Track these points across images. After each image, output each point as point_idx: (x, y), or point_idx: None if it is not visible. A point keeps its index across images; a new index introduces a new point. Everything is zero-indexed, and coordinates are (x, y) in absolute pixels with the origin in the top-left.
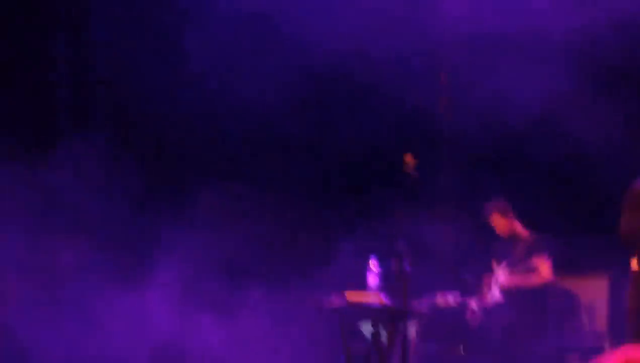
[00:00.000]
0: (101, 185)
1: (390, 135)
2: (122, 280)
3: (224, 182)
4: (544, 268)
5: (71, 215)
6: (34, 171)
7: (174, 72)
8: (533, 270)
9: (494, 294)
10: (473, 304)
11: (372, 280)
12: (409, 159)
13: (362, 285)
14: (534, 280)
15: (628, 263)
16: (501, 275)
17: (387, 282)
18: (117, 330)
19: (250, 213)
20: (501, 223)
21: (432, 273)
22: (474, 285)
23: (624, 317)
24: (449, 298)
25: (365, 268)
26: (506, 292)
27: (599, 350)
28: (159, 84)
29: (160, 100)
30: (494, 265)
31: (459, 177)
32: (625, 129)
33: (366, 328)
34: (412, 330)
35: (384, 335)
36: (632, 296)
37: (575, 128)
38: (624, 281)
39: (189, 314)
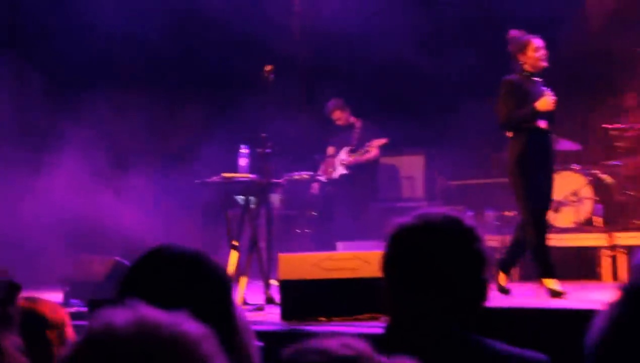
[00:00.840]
0: (15, 90)
1: (252, 47)
2: (32, 168)
3: (115, 87)
4: (374, 149)
5: None
6: None
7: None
8: (367, 150)
9: (338, 170)
10: (321, 178)
11: (243, 161)
12: (267, 67)
13: (235, 166)
14: (367, 157)
15: (438, 144)
16: (343, 156)
17: (255, 162)
18: (28, 210)
19: (139, 111)
20: (340, 116)
21: (289, 156)
22: (321, 164)
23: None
24: (302, 174)
25: (237, 152)
26: (347, 167)
27: (416, 210)
28: (64, 10)
29: (65, 24)
30: (336, 148)
31: (306, 81)
32: (418, 37)
33: (239, 199)
34: (276, 199)
35: (253, 203)
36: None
37: (388, 37)
38: (435, 157)
39: (88, 194)
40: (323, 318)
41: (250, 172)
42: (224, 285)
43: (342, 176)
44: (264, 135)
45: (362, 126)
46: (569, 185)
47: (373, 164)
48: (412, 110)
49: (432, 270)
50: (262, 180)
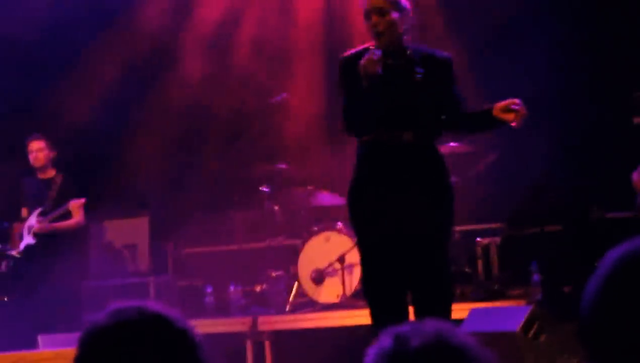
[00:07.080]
0: None
1: None
2: None
3: None
4: (78, 212)
5: None
6: None
7: None
8: (68, 214)
9: (27, 240)
10: (13, 252)
11: None
12: None
13: None
14: (68, 224)
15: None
16: (34, 221)
17: None
18: None
19: None
20: (40, 149)
21: None
22: (8, 233)
23: None
24: None
25: None
26: (40, 236)
27: (142, 286)
28: None
29: None
30: (26, 212)
31: None
32: None
33: None
34: None
35: None
36: None
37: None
38: (164, 219)
39: None
40: None
41: None
42: None
43: (27, 247)
44: None
45: (63, 181)
46: (334, 250)
47: (79, 231)
48: (132, 163)
49: None
50: None
